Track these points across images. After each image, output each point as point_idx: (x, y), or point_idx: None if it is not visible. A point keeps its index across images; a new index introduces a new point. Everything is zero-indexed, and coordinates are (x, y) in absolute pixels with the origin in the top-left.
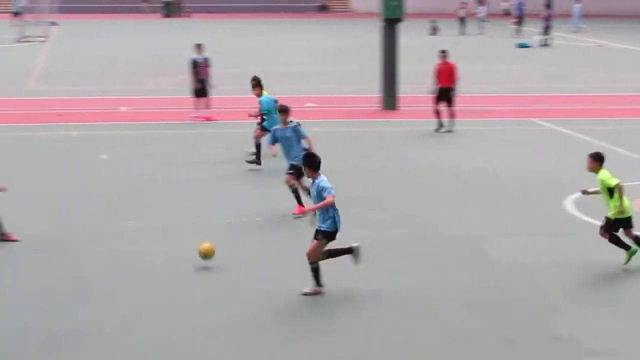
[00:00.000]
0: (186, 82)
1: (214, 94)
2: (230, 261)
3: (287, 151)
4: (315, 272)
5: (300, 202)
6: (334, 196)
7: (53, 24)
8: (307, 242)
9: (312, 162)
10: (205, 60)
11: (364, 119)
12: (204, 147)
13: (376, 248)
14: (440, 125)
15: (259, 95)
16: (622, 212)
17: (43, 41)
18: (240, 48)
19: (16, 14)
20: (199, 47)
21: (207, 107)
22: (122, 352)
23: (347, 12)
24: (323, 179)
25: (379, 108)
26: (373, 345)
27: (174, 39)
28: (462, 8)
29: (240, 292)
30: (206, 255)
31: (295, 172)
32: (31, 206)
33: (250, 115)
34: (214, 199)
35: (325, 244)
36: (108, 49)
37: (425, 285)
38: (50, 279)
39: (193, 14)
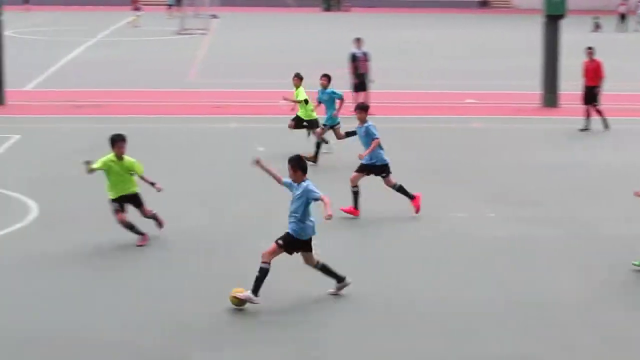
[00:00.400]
0: (345, 76)
1: (373, 88)
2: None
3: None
4: (325, 270)
5: (355, 205)
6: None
7: (213, 16)
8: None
9: (301, 165)
10: (365, 54)
11: (524, 116)
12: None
13: (532, 245)
14: (587, 124)
15: (325, 87)
16: None
17: (203, 34)
18: (399, 42)
19: (170, 5)
20: (358, 41)
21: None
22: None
23: (508, 8)
24: (310, 184)
25: (540, 105)
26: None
27: (333, 33)
28: (623, 5)
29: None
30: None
31: (382, 173)
32: (191, 201)
33: (335, 115)
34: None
35: (281, 249)
36: (267, 42)
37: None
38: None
39: (352, 8)
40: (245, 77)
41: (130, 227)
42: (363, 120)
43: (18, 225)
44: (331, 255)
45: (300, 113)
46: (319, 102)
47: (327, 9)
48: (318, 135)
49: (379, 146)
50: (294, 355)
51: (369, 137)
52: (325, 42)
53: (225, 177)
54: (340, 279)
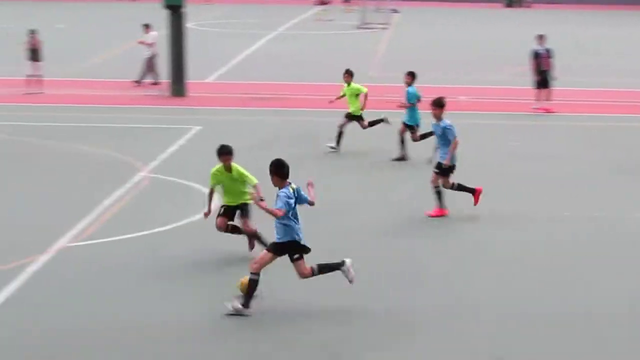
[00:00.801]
0: (527, 73)
1: (556, 85)
2: None
3: (440, 148)
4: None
5: (440, 205)
6: (282, 210)
7: (394, 11)
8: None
9: (279, 169)
10: (547, 51)
11: None
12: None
13: None
14: None
15: (409, 84)
16: None
17: (384, 28)
18: (583, 39)
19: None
20: (540, 37)
21: (548, 99)
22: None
23: None
24: (285, 191)
25: None
26: None
27: (514, 29)
28: None
29: None
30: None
31: (440, 172)
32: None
33: (399, 106)
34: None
35: (272, 257)
36: (447, 37)
37: None
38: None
39: (534, 5)
40: (427, 72)
41: (234, 230)
42: (439, 118)
43: (197, 216)
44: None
45: (352, 109)
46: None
47: (509, 4)
48: (415, 138)
49: (444, 143)
50: None
51: (445, 138)
52: (507, 38)
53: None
54: (339, 264)
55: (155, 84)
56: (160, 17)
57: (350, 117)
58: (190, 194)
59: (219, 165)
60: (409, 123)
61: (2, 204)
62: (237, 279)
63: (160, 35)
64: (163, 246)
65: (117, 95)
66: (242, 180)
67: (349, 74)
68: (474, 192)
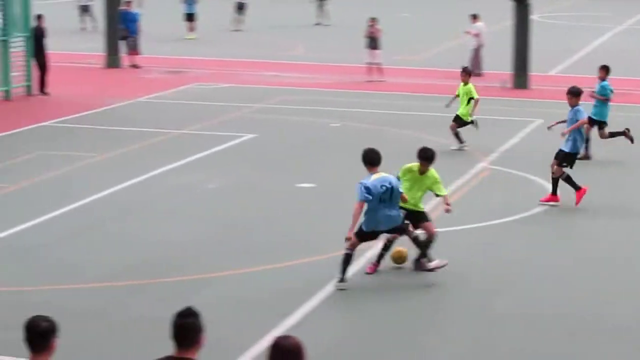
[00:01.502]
0: None
1: None
2: None
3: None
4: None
5: (554, 192)
6: (360, 202)
7: None
8: None
9: (365, 157)
10: None
11: None
12: None
13: None
14: None
15: (603, 79)
16: None
17: None
18: None
19: None
20: None
21: None
22: None
23: None
24: (367, 180)
25: None
26: None
27: None
28: None
29: None
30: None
31: (562, 160)
32: None
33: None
34: None
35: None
36: None
37: None
38: None
39: None
40: None
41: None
42: (573, 105)
43: (534, 210)
44: None
45: (461, 111)
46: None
47: None
48: (602, 135)
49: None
50: None
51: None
52: None
53: None
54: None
55: (477, 75)
56: (505, 9)
57: (459, 121)
58: (529, 187)
59: (416, 163)
60: (595, 118)
61: (344, 192)
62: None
63: (503, 27)
64: (496, 239)
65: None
66: (430, 188)
67: (466, 73)
68: (578, 190)
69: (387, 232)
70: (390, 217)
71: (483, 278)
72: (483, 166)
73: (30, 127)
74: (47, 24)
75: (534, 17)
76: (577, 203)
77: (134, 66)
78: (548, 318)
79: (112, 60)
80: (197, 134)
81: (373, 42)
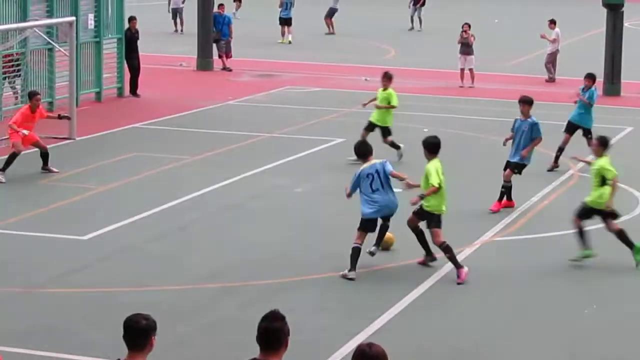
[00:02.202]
0: None
1: None
2: None
3: (516, 146)
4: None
5: (500, 199)
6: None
7: None
8: None
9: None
10: None
11: None
12: None
13: None
14: None
15: (590, 87)
16: None
17: None
18: None
19: None
20: None
21: None
22: None
23: None
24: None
25: None
26: None
27: None
28: None
29: None
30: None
31: (518, 171)
32: None
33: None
34: None
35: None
36: None
37: None
38: None
39: None
40: None
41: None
42: (526, 115)
43: (626, 217)
44: None
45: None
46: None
47: None
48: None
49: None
50: None
51: (527, 135)
52: None
53: None
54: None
55: (549, 80)
56: (599, 16)
57: (372, 126)
58: (619, 195)
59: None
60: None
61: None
62: None
63: (596, 34)
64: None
65: (538, 92)
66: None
67: (387, 78)
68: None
69: (383, 219)
70: (384, 204)
71: (572, 285)
72: (572, 173)
73: (121, 128)
74: (139, 26)
75: (628, 24)
76: (493, 209)
77: (226, 69)
78: None
79: (204, 63)
80: (287, 137)
81: (466, 48)
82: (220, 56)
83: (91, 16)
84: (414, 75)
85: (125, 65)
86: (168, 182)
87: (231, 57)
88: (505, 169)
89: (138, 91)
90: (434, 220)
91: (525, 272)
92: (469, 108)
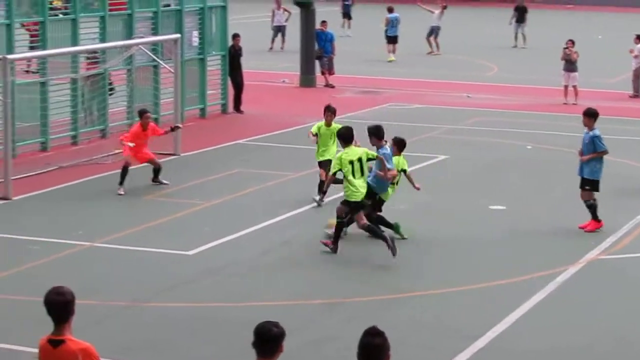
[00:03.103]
0: None
1: None
2: None
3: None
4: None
5: (594, 218)
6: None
7: None
8: None
9: (377, 131)
10: None
11: None
12: None
13: None
14: None
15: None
16: None
17: None
18: None
19: None
20: None
21: None
22: None
23: None
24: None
25: None
26: None
27: None
28: None
29: None
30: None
31: (591, 188)
32: None
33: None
34: None
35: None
36: None
37: None
38: None
39: None
40: None
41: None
42: (589, 127)
43: None
44: None
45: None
46: None
47: None
48: None
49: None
50: None
51: (590, 148)
52: None
53: None
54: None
55: (635, 96)
56: None
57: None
58: None
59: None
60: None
61: (548, 211)
62: None
63: None
64: None
65: (619, 107)
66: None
67: (331, 112)
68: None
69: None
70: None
71: None
72: None
73: (225, 145)
74: (242, 43)
75: None
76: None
77: (329, 85)
78: None
79: (307, 80)
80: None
81: (569, 65)
82: (322, 73)
83: (195, 33)
84: (516, 91)
85: (229, 82)
86: (270, 198)
87: (334, 73)
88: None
89: (242, 107)
90: (350, 206)
91: (631, 290)
92: (573, 125)
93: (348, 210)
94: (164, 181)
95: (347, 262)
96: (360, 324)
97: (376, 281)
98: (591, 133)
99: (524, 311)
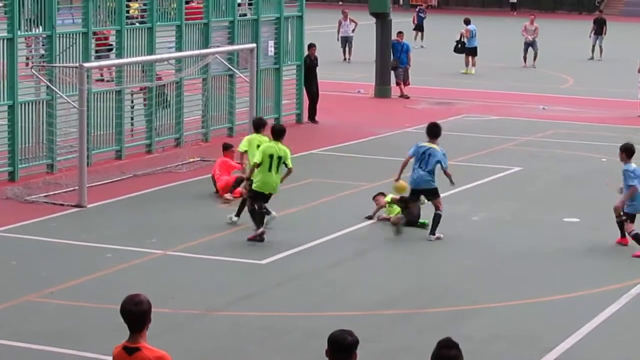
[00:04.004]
0: None
1: None
2: None
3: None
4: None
5: (623, 235)
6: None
7: None
8: None
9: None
10: None
11: None
12: None
13: None
14: None
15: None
16: None
17: None
18: None
19: None
20: None
21: None
22: None
23: None
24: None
25: None
26: None
27: None
28: None
29: None
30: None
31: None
32: None
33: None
34: None
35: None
36: None
37: None
38: None
39: None
40: None
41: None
42: (624, 161)
43: None
44: None
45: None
46: None
47: None
48: None
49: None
50: None
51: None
52: None
53: None
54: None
55: None
56: None
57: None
58: None
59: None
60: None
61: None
62: None
63: None
64: None
65: None
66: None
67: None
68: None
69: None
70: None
71: None
72: None
73: (299, 154)
74: (317, 53)
75: None
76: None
77: (404, 96)
78: None
79: (382, 90)
80: (464, 166)
81: None
82: (397, 83)
83: (271, 43)
84: (591, 104)
85: (304, 92)
86: (344, 208)
87: (409, 84)
88: None
89: (316, 118)
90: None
91: None
92: None
93: None
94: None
95: (420, 274)
96: (435, 335)
97: (452, 292)
98: (623, 167)
99: (597, 323)
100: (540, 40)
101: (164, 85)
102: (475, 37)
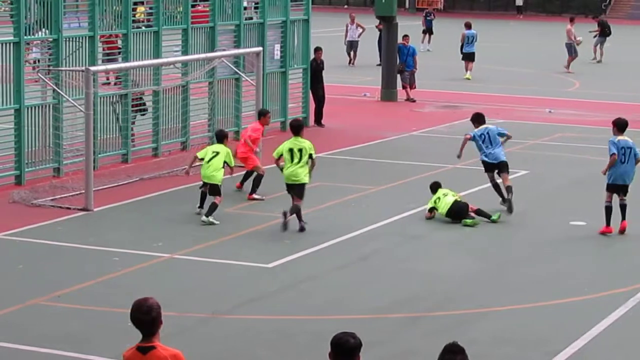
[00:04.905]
0: None
1: None
2: None
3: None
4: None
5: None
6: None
7: None
8: None
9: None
10: None
11: None
12: None
13: None
14: None
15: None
16: None
17: None
18: None
19: None
20: None
21: None
22: None
23: None
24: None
25: None
26: None
27: None
28: None
29: None
30: None
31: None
32: None
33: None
34: None
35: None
36: None
37: None
38: None
39: None
40: None
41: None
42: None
43: None
44: None
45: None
46: None
47: None
48: None
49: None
50: None
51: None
52: None
53: None
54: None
55: None
56: None
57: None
58: None
59: None
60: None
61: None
62: None
63: None
64: None
65: None
66: None
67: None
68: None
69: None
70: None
71: None
72: None
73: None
74: (323, 57)
75: None
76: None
77: (410, 100)
78: None
79: (388, 94)
80: (470, 169)
81: None
82: (404, 87)
83: (278, 46)
84: (598, 107)
85: (310, 95)
86: (350, 212)
87: (415, 87)
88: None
89: (323, 121)
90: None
91: None
92: None
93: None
94: (257, 196)
95: (427, 278)
96: (441, 338)
97: (458, 296)
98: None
99: (604, 326)
100: (547, 44)
101: (142, 92)
102: (472, 43)
